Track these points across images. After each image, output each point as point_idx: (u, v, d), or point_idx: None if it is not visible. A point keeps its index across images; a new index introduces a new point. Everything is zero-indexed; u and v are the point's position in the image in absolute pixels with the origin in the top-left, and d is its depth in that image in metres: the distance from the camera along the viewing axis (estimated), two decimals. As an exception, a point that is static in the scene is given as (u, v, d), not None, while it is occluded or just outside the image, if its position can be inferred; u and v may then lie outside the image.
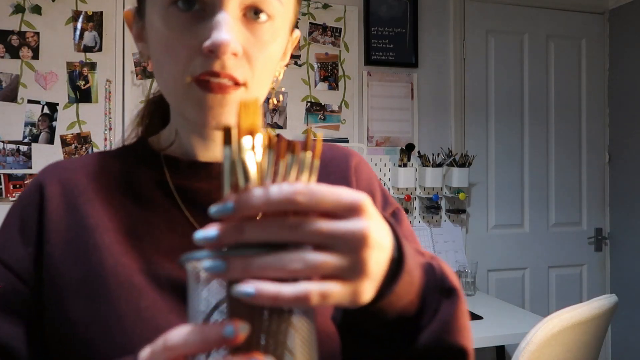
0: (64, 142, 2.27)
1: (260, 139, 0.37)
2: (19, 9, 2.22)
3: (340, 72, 2.63)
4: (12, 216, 0.61)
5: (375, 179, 0.71)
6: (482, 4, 2.87)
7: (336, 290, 0.36)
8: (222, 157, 0.37)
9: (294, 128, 2.56)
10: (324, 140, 0.51)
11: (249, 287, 0.34)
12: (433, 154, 2.72)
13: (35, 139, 2.24)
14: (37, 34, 2.24)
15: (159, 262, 0.57)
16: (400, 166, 2.64)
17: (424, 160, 2.66)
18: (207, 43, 0.51)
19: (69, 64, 2.28)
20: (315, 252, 0.36)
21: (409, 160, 2.66)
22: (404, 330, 0.48)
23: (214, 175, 0.63)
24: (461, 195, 2.71)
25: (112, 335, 0.53)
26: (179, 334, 0.37)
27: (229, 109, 0.55)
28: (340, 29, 2.63)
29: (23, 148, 2.23)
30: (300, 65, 2.57)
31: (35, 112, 2.24)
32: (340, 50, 2.63)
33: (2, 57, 2.20)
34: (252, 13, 0.55)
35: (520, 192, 2.95)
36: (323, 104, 2.61)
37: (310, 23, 2.58)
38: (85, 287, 0.55)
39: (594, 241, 3.07)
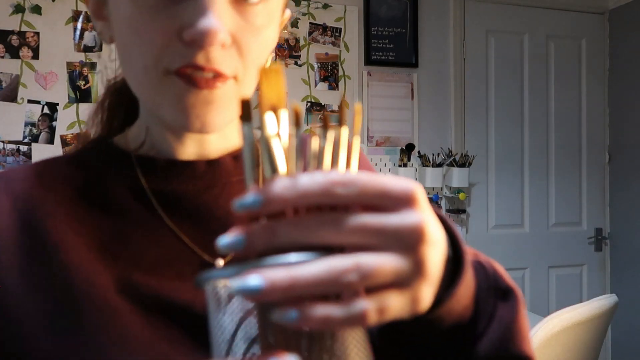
0: (64, 142, 2.27)
1: (285, 115, 0.31)
2: (19, 9, 2.21)
3: (340, 72, 2.63)
4: None
5: (371, 169, 0.65)
6: (482, 4, 2.87)
7: (395, 302, 0.30)
8: (240, 137, 0.31)
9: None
10: None
11: (292, 310, 0.28)
12: (433, 154, 2.72)
13: (35, 139, 2.24)
14: (37, 34, 2.24)
15: (142, 281, 0.47)
16: (400, 166, 2.64)
17: (424, 160, 2.66)
18: (190, 31, 0.43)
19: (69, 64, 2.28)
20: (367, 254, 0.29)
21: (409, 160, 2.66)
22: (460, 340, 0.41)
23: (197, 175, 0.54)
24: (461, 195, 2.71)
25: None
26: None
27: (217, 107, 0.46)
28: (341, 29, 2.63)
29: (23, 148, 2.23)
30: (300, 65, 2.57)
31: (36, 112, 2.24)
32: (340, 50, 2.63)
33: (2, 57, 2.20)
34: None
35: (521, 192, 2.95)
36: (323, 104, 2.61)
37: (310, 23, 2.58)
38: (53, 319, 0.45)
39: (594, 241, 3.07)
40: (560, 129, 3.01)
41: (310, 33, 2.58)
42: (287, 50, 2.55)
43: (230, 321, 0.32)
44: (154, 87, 0.46)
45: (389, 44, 2.69)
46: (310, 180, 0.29)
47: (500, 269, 0.46)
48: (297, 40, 2.57)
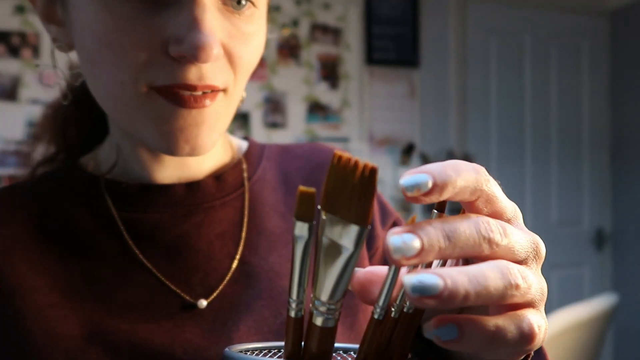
0: (65, 142, 2.27)
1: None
2: (20, 10, 2.22)
3: (341, 72, 2.63)
4: None
5: None
6: (484, 4, 2.86)
7: (543, 322, 0.27)
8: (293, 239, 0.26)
9: (295, 128, 2.56)
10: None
11: (450, 325, 0.24)
12: (434, 154, 2.72)
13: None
14: (38, 34, 2.24)
15: (113, 326, 0.42)
16: (401, 166, 2.64)
17: (425, 160, 2.66)
18: (180, 47, 0.38)
19: (69, 64, 2.28)
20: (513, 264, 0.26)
21: (410, 159, 2.66)
22: None
23: (175, 201, 0.47)
24: (462, 195, 2.71)
25: None
26: None
27: (208, 127, 0.41)
28: (341, 28, 2.63)
29: (24, 148, 2.23)
30: (301, 65, 2.57)
31: (36, 112, 2.25)
32: (341, 50, 2.63)
33: (3, 57, 2.20)
34: (235, 1, 0.41)
35: (522, 191, 2.95)
36: (324, 103, 2.61)
37: (311, 23, 2.58)
38: None
39: (595, 241, 3.07)
40: (562, 129, 3.01)
41: (311, 32, 2.58)
42: (288, 49, 2.55)
43: None
44: (132, 107, 0.40)
45: (390, 43, 2.69)
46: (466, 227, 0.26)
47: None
48: (297, 39, 2.57)
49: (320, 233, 0.25)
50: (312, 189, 0.25)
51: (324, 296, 0.25)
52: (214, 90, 0.41)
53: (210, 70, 0.40)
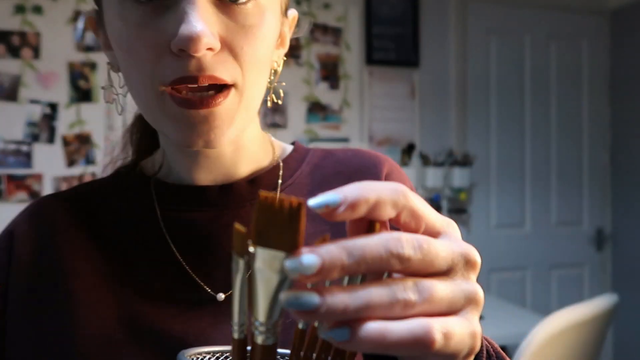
0: (65, 142, 2.27)
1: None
2: (20, 9, 2.22)
3: (341, 72, 2.63)
4: None
5: (410, 189, 0.58)
6: (484, 4, 2.86)
7: (459, 328, 0.28)
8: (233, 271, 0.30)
9: (295, 128, 2.56)
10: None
11: (343, 328, 0.26)
12: (434, 154, 2.72)
13: (36, 138, 2.24)
14: (38, 34, 2.24)
15: (141, 311, 0.48)
16: (401, 166, 2.63)
17: (425, 160, 2.66)
18: (175, 41, 0.41)
19: (70, 64, 2.28)
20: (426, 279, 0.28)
21: (410, 160, 2.66)
22: None
23: (209, 202, 0.52)
24: (462, 195, 2.71)
25: None
26: None
27: (220, 123, 0.44)
28: (342, 28, 2.63)
29: (24, 148, 2.23)
30: (301, 65, 2.57)
31: (36, 112, 2.25)
32: (341, 50, 2.63)
33: (4, 57, 2.20)
34: None
35: (522, 192, 2.95)
36: (324, 103, 2.61)
37: (311, 22, 2.58)
38: (50, 343, 0.47)
39: (595, 241, 3.07)
40: (562, 129, 3.01)
41: (311, 33, 2.58)
42: (288, 49, 2.55)
43: None
44: (153, 106, 0.45)
45: (390, 43, 2.69)
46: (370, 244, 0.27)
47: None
48: (297, 39, 2.57)
49: (255, 263, 0.27)
50: (243, 228, 0.28)
51: (262, 317, 0.28)
52: (222, 86, 0.44)
53: (210, 62, 0.42)
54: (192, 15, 0.41)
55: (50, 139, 2.26)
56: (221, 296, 0.49)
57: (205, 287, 0.49)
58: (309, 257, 0.25)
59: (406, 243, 0.27)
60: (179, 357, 0.35)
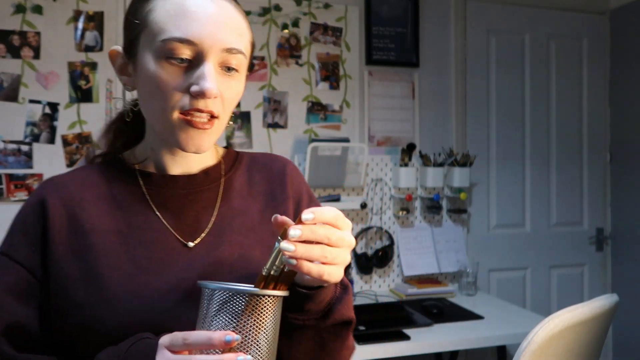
0: (65, 142, 2.27)
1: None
2: (20, 9, 2.22)
3: (341, 72, 2.63)
4: (17, 225, 0.76)
5: (304, 183, 0.90)
6: (483, 4, 2.86)
7: (338, 271, 0.63)
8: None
9: (295, 128, 2.56)
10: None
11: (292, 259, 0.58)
12: (434, 154, 2.72)
13: (36, 138, 2.24)
14: (38, 33, 2.24)
15: (141, 253, 0.74)
16: (401, 166, 2.63)
17: (425, 160, 2.66)
18: (197, 88, 0.69)
19: (70, 64, 2.28)
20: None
21: (410, 160, 2.65)
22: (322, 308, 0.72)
23: (180, 186, 0.80)
24: (462, 195, 2.71)
25: (114, 313, 0.68)
26: (196, 335, 0.57)
27: (206, 138, 0.73)
28: (342, 28, 2.63)
29: (24, 148, 2.23)
30: (301, 65, 2.57)
31: (37, 111, 2.25)
32: (341, 50, 2.63)
33: (4, 57, 2.20)
34: (226, 68, 0.73)
35: (522, 192, 2.95)
36: (324, 103, 2.61)
37: (311, 23, 2.58)
38: (84, 277, 0.71)
39: (595, 241, 3.07)
40: (561, 129, 3.01)
41: (311, 33, 2.58)
42: (288, 50, 2.55)
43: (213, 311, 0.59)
44: (168, 124, 0.72)
45: (390, 43, 2.69)
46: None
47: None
48: (298, 39, 2.57)
49: (279, 243, 0.62)
50: (284, 233, 0.61)
51: (278, 262, 0.64)
52: (213, 117, 0.73)
53: (211, 103, 0.71)
54: (209, 76, 0.70)
55: (51, 139, 2.26)
56: (190, 244, 0.76)
57: (179, 238, 0.77)
58: (296, 230, 0.58)
59: (332, 231, 0.61)
60: (202, 284, 0.61)
